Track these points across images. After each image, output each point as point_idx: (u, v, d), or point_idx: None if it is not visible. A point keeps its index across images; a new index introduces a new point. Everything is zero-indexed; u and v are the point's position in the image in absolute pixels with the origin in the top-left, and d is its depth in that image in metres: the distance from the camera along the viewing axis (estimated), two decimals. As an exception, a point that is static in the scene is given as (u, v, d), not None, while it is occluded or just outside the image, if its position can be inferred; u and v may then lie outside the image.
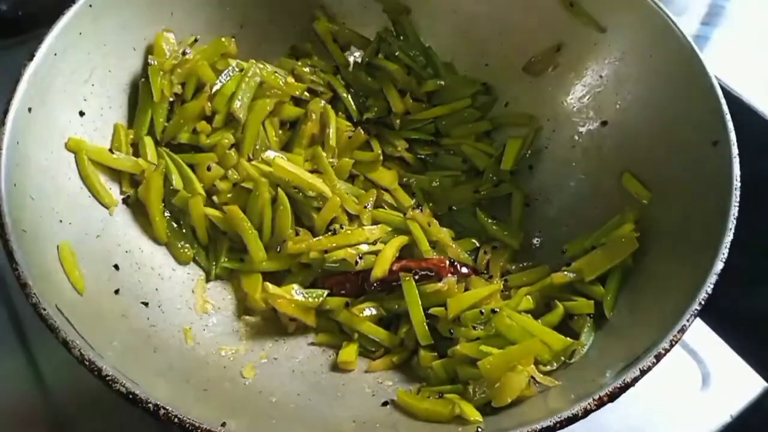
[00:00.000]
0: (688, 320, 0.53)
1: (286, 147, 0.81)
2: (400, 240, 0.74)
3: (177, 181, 0.73)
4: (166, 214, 0.74)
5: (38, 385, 0.71)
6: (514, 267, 0.76)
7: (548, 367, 0.60)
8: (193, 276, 0.73)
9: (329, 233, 0.74)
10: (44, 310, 0.51)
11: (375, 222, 0.77)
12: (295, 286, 0.70)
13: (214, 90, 0.77)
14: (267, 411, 0.60)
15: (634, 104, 0.74)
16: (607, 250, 0.66)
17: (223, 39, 0.80)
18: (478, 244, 0.78)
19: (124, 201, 0.72)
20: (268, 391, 0.62)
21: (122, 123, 0.75)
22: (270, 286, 0.69)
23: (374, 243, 0.74)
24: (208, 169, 0.75)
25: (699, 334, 0.78)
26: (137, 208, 0.73)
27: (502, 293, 0.70)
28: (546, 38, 0.82)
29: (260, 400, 0.61)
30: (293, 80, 0.83)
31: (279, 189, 0.74)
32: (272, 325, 0.71)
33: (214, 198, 0.76)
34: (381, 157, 0.82)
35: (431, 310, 0.68)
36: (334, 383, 0.66)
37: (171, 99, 0.76)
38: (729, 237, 0.57)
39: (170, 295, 0.69)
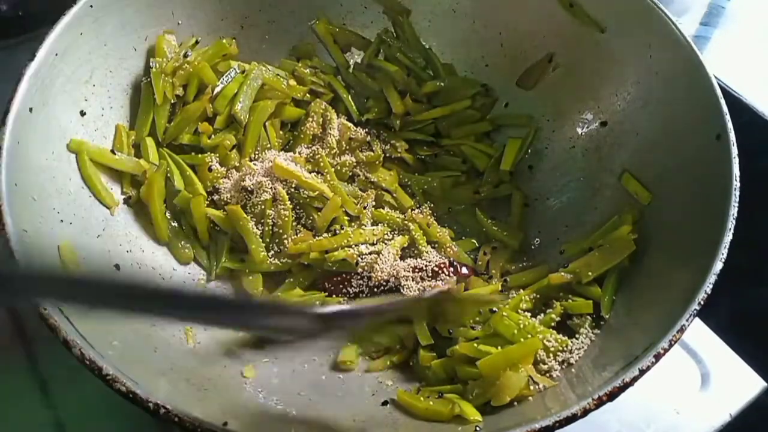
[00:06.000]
0: (687, 320, 0.53)
1: (286, 147, 0.82)
2: (401, 241, 0.74)
3: (178, 182, 0.74)
4: (167, 214, 0.74)
5: (39, 384, 0.71)
6: (513, 267, 0.76)
7: (547, 367, 0.60)
8: (193, 276, 0.73)
9: (330, 234, 0.74)
10: (45, 309, 0.51)
11: (375, 222, 0.77)
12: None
13: (215, 92, 0.77)
14: (267, 411, 0.60)
15: (633, 104, 0.74)
16: (604, 251, 0.66)
17: (224, 40, 0.80)
18: (477, 245, 0.78)
19: (126, 201, 0.72)
20: (269, 390, 0.62)
21: (123, 123, 0.75)
22: None
23: (374, 244, 0.74)
24: (210, 169, 0.76)
25: (698, 333, 0.77)
26: (138, 208, 0.73)
27: (502, 293, 0.70)
28: (546, 39, 0.82)
29: (261, 399, 0.61)
30: (294, 82, 0.83)
31: (280, 189, 0.74)
32: (272, 324, 0.71)
33: (215, 198, 0.76)
34: (381, 158, 0.82)
35: (431, 310, 0.68)
36: (334, 383, 0.66)
37: (173, 101, 0.77)
38: (728, 237, 0.57)
39: (171, 294, 0.69)
